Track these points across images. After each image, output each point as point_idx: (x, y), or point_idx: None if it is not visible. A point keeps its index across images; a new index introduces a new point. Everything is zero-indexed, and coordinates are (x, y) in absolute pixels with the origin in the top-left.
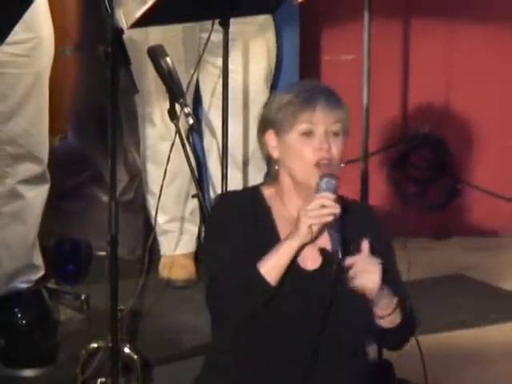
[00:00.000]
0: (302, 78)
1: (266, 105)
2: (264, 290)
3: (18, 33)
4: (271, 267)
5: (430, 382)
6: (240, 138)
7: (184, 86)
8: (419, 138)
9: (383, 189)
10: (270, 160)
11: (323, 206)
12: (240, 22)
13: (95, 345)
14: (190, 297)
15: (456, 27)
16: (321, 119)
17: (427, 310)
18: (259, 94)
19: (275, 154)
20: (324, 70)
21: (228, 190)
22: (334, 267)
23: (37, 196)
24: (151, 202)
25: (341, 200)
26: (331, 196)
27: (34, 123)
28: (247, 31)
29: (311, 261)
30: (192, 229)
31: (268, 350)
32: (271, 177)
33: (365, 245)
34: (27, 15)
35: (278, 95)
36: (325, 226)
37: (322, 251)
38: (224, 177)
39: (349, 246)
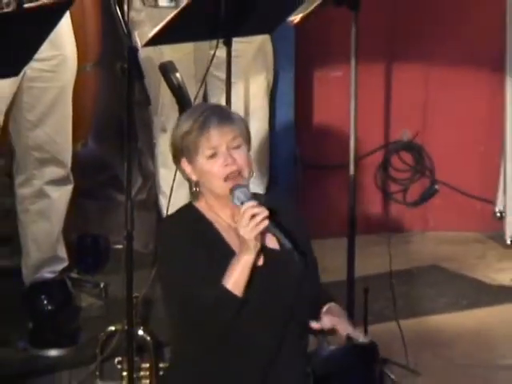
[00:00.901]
0: (296, 91)
1: (173, 133)
2: (234, 303)
3: (44, 51)
4: (236, 282)
5: (409, 361)
6: None
7: (192, 99)
8: (401, 144)
9: (369, 189)
10: (190, 182)
11: (253, 216)
12: (242, 41)
13: (113, 328)
14: None
15: (432, 57)
16: (218, 140)
17: (407, 298)
18: (259, 104)
19: (193, 178)
20: (316, 85)
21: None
22: (295, 257)
23: (61, 196)
24: (162, 201)
25: (257, 199)
26: (253, 203)
27: (59, 131)
28: (248, 49)
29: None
30: None
31: (237, 343)
32: (195, 195)
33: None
34: (52, 35)
35: (179, 123)
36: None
37: (264, 249)
38: None
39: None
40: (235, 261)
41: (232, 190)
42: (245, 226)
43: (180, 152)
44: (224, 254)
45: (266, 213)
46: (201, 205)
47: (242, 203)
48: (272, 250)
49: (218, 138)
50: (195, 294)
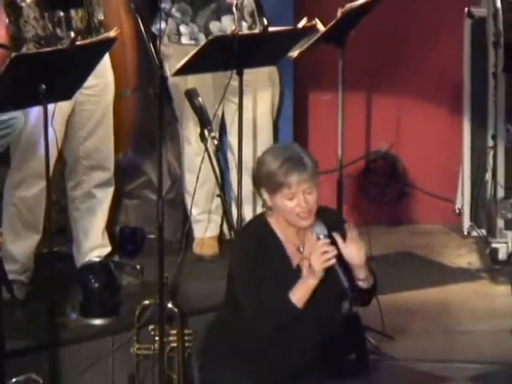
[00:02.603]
0: (294, 112)
1: (258, 166)
2: (295, 313)
3: (90, 80)
4: (300, 298)
5: (386, 328)
6: (251, 154)
7: (211, 118)
8: (379, 154)
9: (353, 190)
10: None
11: (325, 252)
12: (251, 72)
13: (147, 302)
14: (215, 267)
15: (404, 85)
16: (297, 189)
17: (385, 278)
18: (265, 124)
19: (269, 204)
20: (310, 107)
21: (241, 227)
22: (348, 296)
23: (105, 196)
24: (188, 200)
25: (321, 210)
26: (327, 241)
27: (103, 143)
28: (258, 78)
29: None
30: (217, 219)
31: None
32: (268, 209)
33: (353, 230)
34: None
35: (264, 161)
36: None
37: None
38: (239, 182)
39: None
40: (303, 281)
41: (313, 225)
42: (316, 258)
43: (262, 184)
44: (285, 267)
45: (335, 252)
46: (272, 220)
47: (319, 238)
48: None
49: (296, 187)
50: (258, 299)
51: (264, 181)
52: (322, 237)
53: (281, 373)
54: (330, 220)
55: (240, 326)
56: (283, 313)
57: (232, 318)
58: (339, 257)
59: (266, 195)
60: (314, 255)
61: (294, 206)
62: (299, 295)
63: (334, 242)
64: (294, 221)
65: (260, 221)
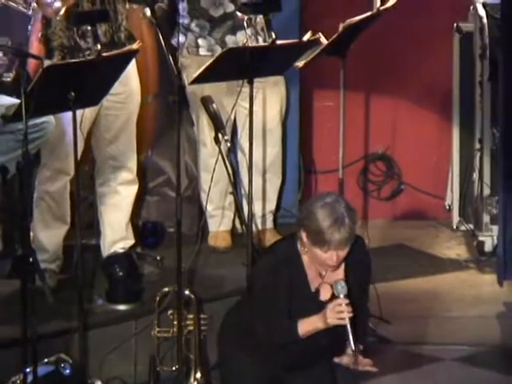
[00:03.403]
0: (300, 117)
1: (309, 216)
2: (297, 340)
3: (116, 87)
4: (305, 332)
5: (383, 313)
6: (260, 156)
7: (224, 122)
8: (376, 156)
9: (353, 188)
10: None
11: (340, 311)
12: (262, 81)
13: (166, 289)
14: (228, 258)
15: (400, 93)
16: (334, 248)
17: (382, 268)
18: (274, 128)
19: (304, 242)
20: (315, 112)
21: (273, 245)
22: (352, 350)
23: (129, 193)
24: (203, 197)
25: None
26: (345, 301)
27: (127, 146)
28: (266, 85)
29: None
30: (229, 214)
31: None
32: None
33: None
34: (122, 75)
35: (318, 215)
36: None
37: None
38: (250, 180)
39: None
40: (314, 320)
41: (336, 282)
42: (332, 313)
43: (306, 230)
44: (304, 291)
45: (350, 315)
46: (302, 250)
47: (339, 295)
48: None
49: (334, 248)
50: (272, 318)
51: (308, 229)
52: (342, 296)
53: (293, 360)
54: (356, 250)
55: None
56: (287, 336)
57: (245, 311)
58: (352, 318)
59: (304, 237)
60: (330, 310)
61: (325, 258)
62: (305, 330)
63: (351, 303)
64: (320, 266)
65: (290, 243)
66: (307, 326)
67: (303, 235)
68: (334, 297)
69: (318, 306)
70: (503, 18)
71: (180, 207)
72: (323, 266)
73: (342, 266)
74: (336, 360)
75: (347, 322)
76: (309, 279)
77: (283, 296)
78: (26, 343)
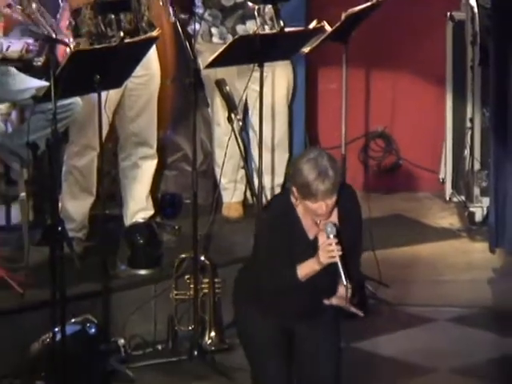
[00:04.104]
0: (306, 99)
1: (295, 172)
2: (297, 284)
3: (139, 70)
4: (304, 275)
5: (382, 278)
6: (269, 133)
7: (236, 103)
8: (376, 133)
9: (355, 163)
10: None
11: (330, 250)
12: (271, 65)
13: (184, 255)
14: (240, 227)
15: (398, 75)
16: (322, 198)
17: (381, 236)
18: (282, 108)
19: (296, 195)
20: (320, 94)
21: (270, 201)
22: (344, 285)
23: (149, 167)
24: (217, 171)
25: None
26: (334, 240)
27: (148, 124)
28: (275, 69)
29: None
30: (241, 187)
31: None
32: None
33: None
34: (143, 59)
35: (303, 170)
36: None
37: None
38: (260, 156)
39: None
40: (310, 263)
41: (326, 225)
42: (324, 253)
43: (294, 185)
44: (302, 240)
45: (339, 253)
46: (295, 202)
47: (329, 237)
48: None
49: (321, 198)
50: (272, 265)
51: (297, 185)
52: (331, 236)
53: (300, 310)
54: (346, 199)
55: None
56: (287, 280)
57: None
58: (342, 255)
59: (295, 191)
60: (322, 250)
61: (316, 208)
62: (304, 272)
63: (340, 242)
64: (313, 216)
65: (285, 198)
66: (305, 269)
67: (294, 190)
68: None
69: (315, 251)
70: (493, 8)
71: (196, 180)
72: (316, 216)
73: (335, 213)
74: (326, 302)
75: (338, 260)
76: (305, 228)
77: (283, 247)
78: (54, 305)
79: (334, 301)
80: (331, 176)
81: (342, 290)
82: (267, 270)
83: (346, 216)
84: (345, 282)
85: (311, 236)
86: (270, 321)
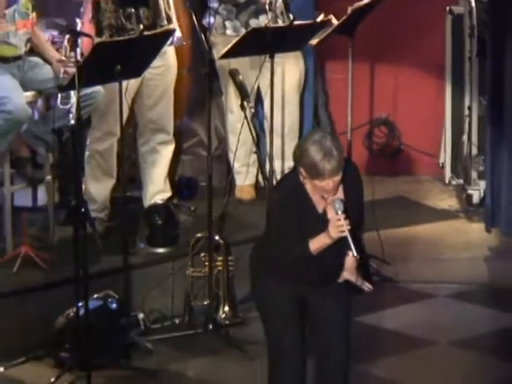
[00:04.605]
0: (315, 88)
1: (302, 153)
2: (310, 257)
3: (156, 61)
4: (316, 249)
5: (385, 256)
6: (280, 120)
7: (249, 92)
8: (380, 120)
9: (360, 148)
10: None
11: (340, 225)
12: (282, 56)
13: (199, 235)
14: (252, 208)
15: (400, 66)
16: (328, 177)
17: (384, 216)
18: (292, 97)
19: (304, 175)
20: (328, 83)
21: (280, 180)
22: (354, 256)
23: (167, 152)
24: (231, 156)
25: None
26: (343, 216)
27: (165, 112)
28: (286, 60)
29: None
30: (253, 170)
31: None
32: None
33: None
34: (161, 51)
35: (309, 151)
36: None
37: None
38: (271, 142)
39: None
40: (321, 237)
41: (333, 201)
42: (334, 228)
43: (302, 165)
44: (312, 214)
45: (348, 227)
46: (304, 180)
47: (337, 211)
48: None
49: (328, 177)
50: (285, 240)
51: (305, 165)
52: (339, 212)
53: (312, 279)
54: (350, 175)
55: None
56: (300, 253)
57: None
58: (350, 230)
59: (303, 171)
60: (331, 225)
61: (323, 185)
62: (316, 246)
63: (347, 217)
64: (321, 192)
65: (294, 176)
66: (317, 243)
67: (302, 170)
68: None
69: (327, 225)
70: (490, 2)
71: (211, 164)
72: (324, 192)
73: (341, 189)
74: (340, 280)
75: (347, 234)
76: (314, 203)
77: (294, 222)
78: (78, 281)
79: (345, 275)
80: (336, 155)
81: (349, 262)
82: (281, 245)
83: (350, 190)
84: (355, 254)
85: (320, 210)
86: (285, 291)
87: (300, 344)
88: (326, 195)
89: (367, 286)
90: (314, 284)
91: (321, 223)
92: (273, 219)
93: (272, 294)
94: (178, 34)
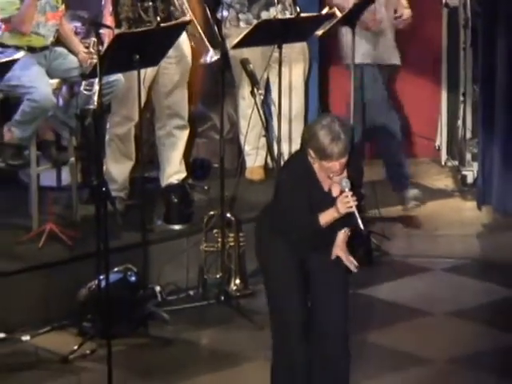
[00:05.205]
0: (320, 77)
1: (312, 136)
2: (320, 229)
3: (171, 52)
4: (325, 223)
5: (385, 232)
6: (287, 106)
7: (259, 79)
8: None
9: None
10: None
11: (347, 201)
12: (289, 46)
13: (212, 212)
14: (261, 188)
15: (401, 52)
16: (337, 162)
17: (385, 196)
18: (298, 85)
19: (312, 156)
20: (330, 76)
21: (289, 159)
22: (360, 229)
23: (182, 136)
24: (242, 139)
25: None
26: (350, 193)
27: (180, 98)
28: (293, 51)
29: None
30: (263, 153)
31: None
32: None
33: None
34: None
35: (319, 135)
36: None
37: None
38: (279, 126)
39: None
40: (330, 212)
41: (341, 179)
42: (342, 204)
43: (311, 147)
44: (318, 192)
45: (355, 203)
46: (311, 160)
47: (344, 189)
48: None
49: (336, 159)
50: (295, 215)
51: (313, 147)
52: (347, 190)
53: (318, 245)
54: (353, 158)
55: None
56: (310, 227)
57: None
58: (357, 205)
59: (312, 153)
60: (340, 201)
61: (330, 166)
62: (325, 220)
63: (354, 193)
64: (327, 173)
65: (301, 156)
66: (326, 217)
67: (311, 152)
68: (341, 192)
69: (332, 201)
70: None
71: (223, 147)
72: (331, 173)
73: (345, 170)
74: (332, 257)
75: (354, 209)
76: (321, 182)
77: (303, 199)
78: (99, 256)
79: (336, 251)
80: (343, 139)
81: (340, 239)
82: (292, 220)
83: (352, 171)
84: (362, 227)
85: (326, 188)
86: (290, 255)
87: (306, 308)
88: (331, 175)
89: (354, 265)
90: (316, 248)
91: (326, 200)
92: (284, 196)
93: (279, 258)
94: (211, 53)
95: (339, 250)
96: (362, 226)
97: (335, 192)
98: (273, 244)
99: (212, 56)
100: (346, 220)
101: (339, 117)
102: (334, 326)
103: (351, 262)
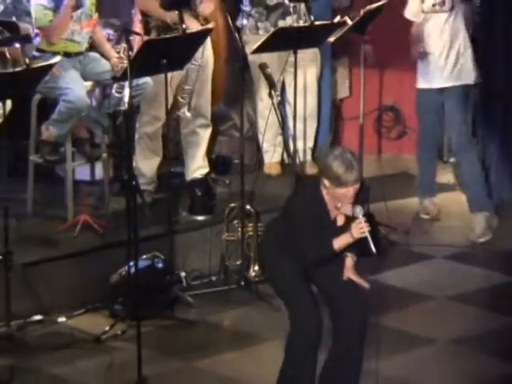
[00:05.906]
0: (331, 79)
1: (327, 168)
2: (333, 254)
3: (196, 56)
4: (339, 246)
5: (391, 223)
6: (302, 106)
7: (276, 82)
8: (387, 107)
9: (370, 131)
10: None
11: (361, 227)
12: (303, 52)
13: (233, 204)
14: (279, 182)
15: (404, 63)
16: (352, 188)
17: (391, 189)
18: (312, 87)
19: (327, 185)
20: None
21: (301, 187)
22: (373, 253)
23: (205, 134)
24: (260, 137)
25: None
26: (364, 219)
27: (204, 100)
28: (307, 56)
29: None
30: (279, 150)
31: None
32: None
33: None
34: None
35: (333, 166)
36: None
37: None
38: (294, 125)
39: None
40: (344, 237)
41: (355, 207)
42: (356, 229)
43: (326, 177)
44: (326, 220)
45: (368, 229)
46: (324, 191)
47: (358, 215)
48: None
49: (351, 189)
50: (313, 239)
51: (329, 177)
52: (360, 216)
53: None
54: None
55: (287, 231)
56: (326, 251)
57: (282, 226)
58: (370, 230)
59: (327, 183)
60: (354, 227)
61: (345, 192)
62: (339, 245)
63: (367, 220)
64: (339, 200)
65: (316, 187)
66: (340, 242)
67: (326, 182)
68: (348, 221)
69: (335, 230)
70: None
71: (243, 145)
72: (344, 199)
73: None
74: (344, 278)
75: (367, 235)
76: (329, 210)
77: (315, 225)
78: (129, 244)
79: (347, 274)
80: (355, 166)
81: (348, 263)
82: (311, 243)
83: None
84: (374, 251)
85: (332, 217)
86: (293, 265)
87: (315, 300)
88: (339, 204)
89: (365, 284)
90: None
91: (332, 229)
92: (299, 222)
93: (284, 267)
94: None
95: (350, 273)
96: (374, 250)
97: (340, 221)
98: (281, 264)
99: (184, 112)
100: (355, 244)
101: (347, 147)
102: (355, 319)
103: (363, 282)
